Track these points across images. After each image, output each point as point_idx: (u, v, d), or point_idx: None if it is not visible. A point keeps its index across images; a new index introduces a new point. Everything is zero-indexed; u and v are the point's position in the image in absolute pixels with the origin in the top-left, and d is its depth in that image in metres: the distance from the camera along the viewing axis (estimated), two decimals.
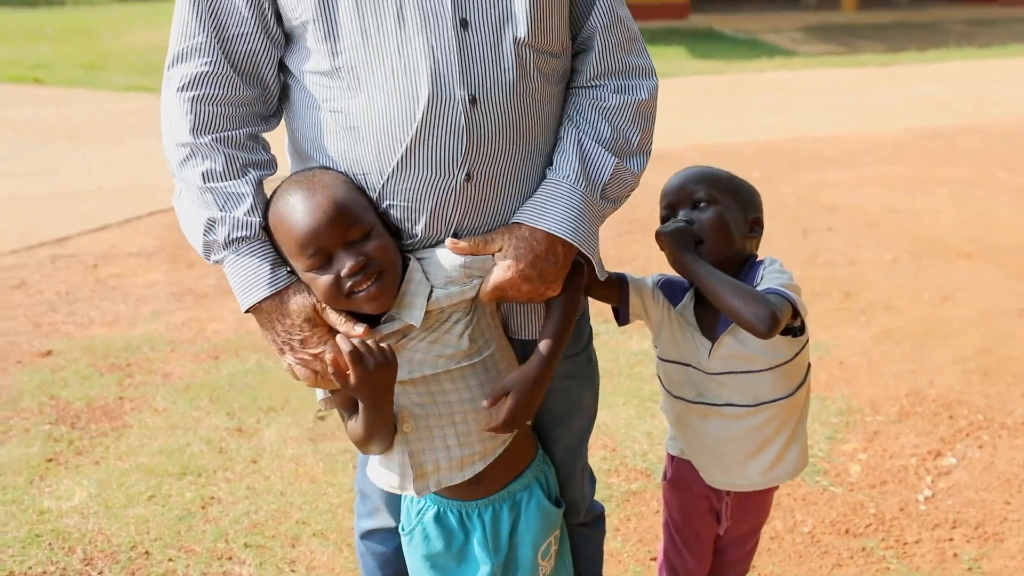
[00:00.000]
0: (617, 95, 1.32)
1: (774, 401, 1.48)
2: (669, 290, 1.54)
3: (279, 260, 1.25)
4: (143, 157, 5.88)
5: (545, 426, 1.48)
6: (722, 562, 1.74)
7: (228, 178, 1.24)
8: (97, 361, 3.21)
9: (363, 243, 1.20)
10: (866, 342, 3.38)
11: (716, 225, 1.45)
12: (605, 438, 2.71)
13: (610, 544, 2.22)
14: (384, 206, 1.26)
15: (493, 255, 1.26)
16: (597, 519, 1.66)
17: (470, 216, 1.26)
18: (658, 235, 1.44)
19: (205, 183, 1.23)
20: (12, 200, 5.01)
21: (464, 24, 1.20)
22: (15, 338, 3.40)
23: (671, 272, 1.51)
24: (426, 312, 1.25)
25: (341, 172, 1.26)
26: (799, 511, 2.39)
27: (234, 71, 1.25)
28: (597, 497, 1.67)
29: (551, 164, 1.31)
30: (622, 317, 1.56)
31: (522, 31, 1.22)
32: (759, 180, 5.40)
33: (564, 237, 1.26)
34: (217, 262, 1.26)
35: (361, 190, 1.25)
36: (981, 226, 4.67)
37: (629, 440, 2.72)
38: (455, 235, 1.27)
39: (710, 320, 1.48)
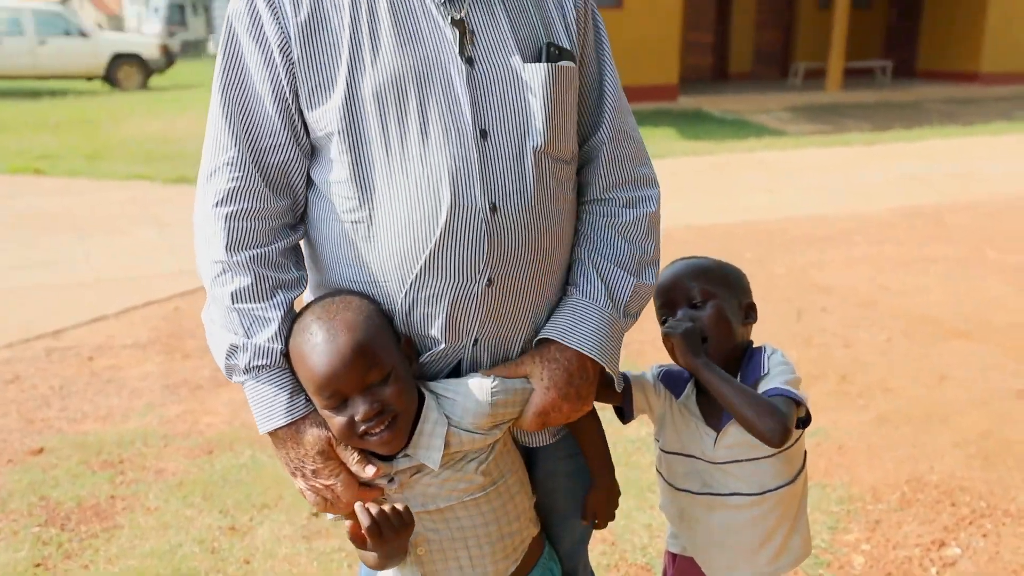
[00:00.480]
0: (630, 209, 1.38)
1: (778, 488, 1.49)
2: (670, 381, 1.55)
3: (298, 388, 1.26)
4: (142, 247, 5.93)
5: (552, 524, 1.48)
6: None
7: (256, 299, 1.25)
8: (89, 458, 3.18)
9: (380, 387, 1.21)
10: (864, 426, 3.36)
11: (717, 321, 1.48)
12: (604, 531, 2.67)
13: None
14: (403, 314, 1.27)
15: (528, 379, 1.30)
16: None
17: (490, 320, 1.29)
18: (666, 338, 1.46)
19: (233, 303, 1.24)
20: (11, 293, 5.03)
21: (484, 134, 1.24)
22: (7, 436, 3.37)
23: (666, 361, 1.53)
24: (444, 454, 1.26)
25: (365, 298, 1.26)
26: None
27: (265, 183, 1.27)
28: None
29: (569, 272, 1.36)
30: (626, 416, 1.56)
31: (539, 140, 1.27)
32: (751, 261, 5.49)
33: (594, 357, 1.30)
34: (238, 382, 1.28)
35: (384, 318, 1.26)
36: (974, 305, 4.69)
37: (628, 533, 2.68)
38: (475, 341, 1.29)
39: (713, 410, 1.49)
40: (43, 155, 9.31)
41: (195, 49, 29.79)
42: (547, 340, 1.32)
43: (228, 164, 1.26)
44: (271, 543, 2.65)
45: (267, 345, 1.23)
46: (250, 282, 1.24)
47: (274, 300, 1.26)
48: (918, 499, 2.85)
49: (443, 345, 1.29)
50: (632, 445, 3.24)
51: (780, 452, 1.47)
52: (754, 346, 1.54)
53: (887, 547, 2.59)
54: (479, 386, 1.27)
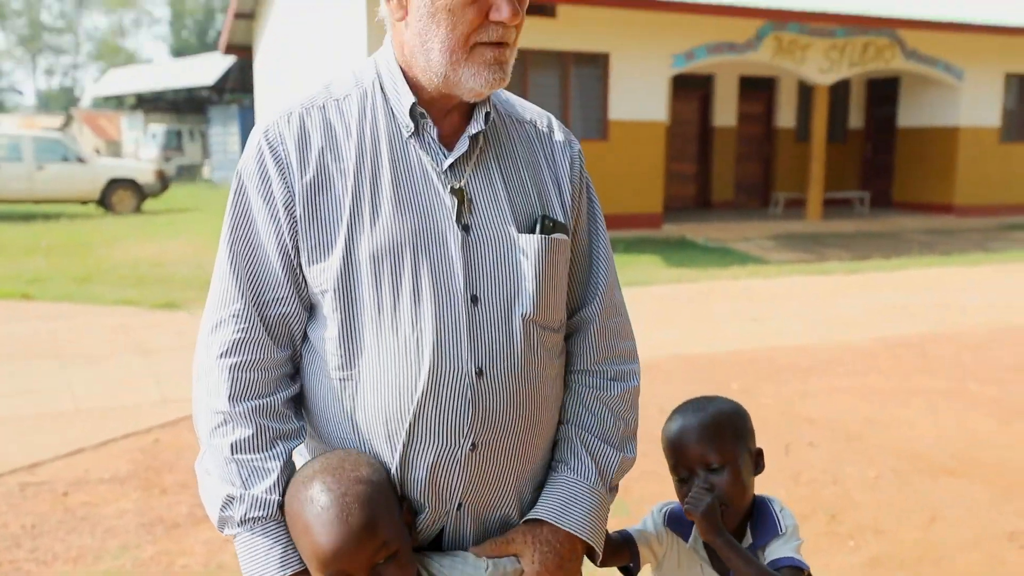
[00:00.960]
0: (616, 383, 1.42)
1: None
2: (675, 523, 1.56)
3: (292, 542, 1.24)
4: (126, 375, 5.89)
5: None
6: None
7: (256, 450, 1.25)
8: None
9: (385, 566, 1.17)
10: (856, 569, 3.29)
11: (735, 486, 1.50)
12: None
13: None
14: (391, 474, 1.28)
15: (518, 557, 1.30)
16: None
17: (475, 485, 1.29)
18: (688, 514, 1.47)
19: (233, 454, 1.25)
20: None
21: (475, 300, 1.27)
22: None
23: (660, 500, 1.56)
24: None
25: (374, 462, 1.25)
26: None
27: (269, 335, 1.29)
28: None
29: (556, 447, 1.38)
30: (634, 573, 1.56)
31: (528, 308, 1.30)
32: (738, 391, 5.49)
33: (587, 539, 1.32)
34: (230, 535, 1.26)
35: (391, 485, 1.25)
36: (961, 440, 4.68)
37: None
38: (459, 505, 1.29)
39: (719, 557, 1.50)
40: (33, 279, 9.36)
41: (190, 173, 30.42)
42: (538, 519, 1.32)
43: (234, 316, 1.28)
44: None
45: (264, 496, 1.23)
46: (251, 432, 1.25)
47: (274, 451, 1.26)
48: None
49: (427, 510, 1.29)
50: None
51: None
52: (757, 495, 1.56)
53: None
54: (474, 567, 1.26)
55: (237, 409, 1.26)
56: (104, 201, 17.04)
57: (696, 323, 7.67)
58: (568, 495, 1.34)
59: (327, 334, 1.29)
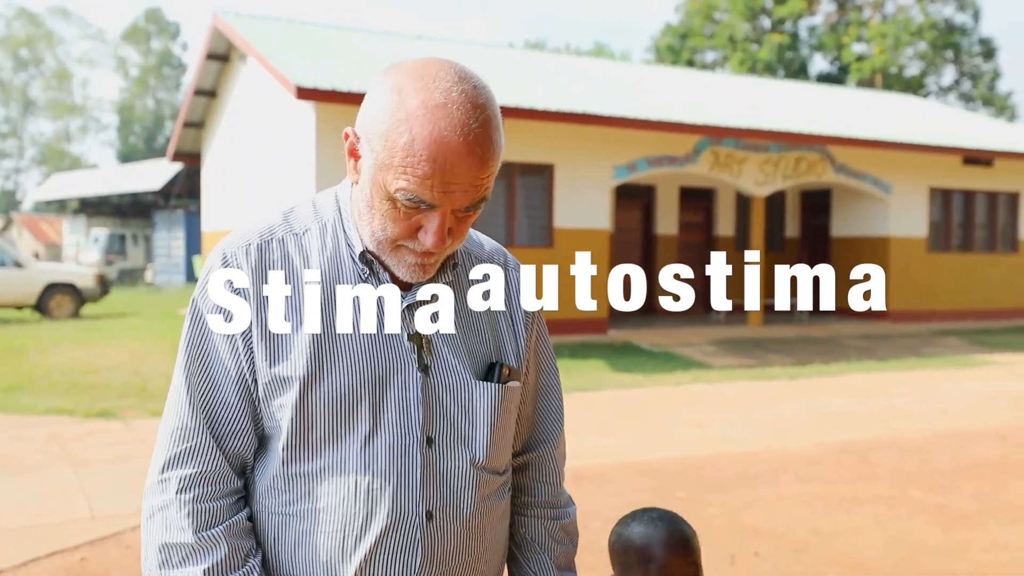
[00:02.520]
0: (568, 510, 1.51)
1: None
2: None
3: None
4: (54, 488, 5.66)
5: None
6: None
7: (234, 569, 1.23)
8: None
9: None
10: None
11: None
12: None
13: None
14: None
15: None
16: None
17: None
18: None
19: None
20: None
21: (430, 442, 1.27)
22: None
23: None
24: None
25: None
26: None
27: (229, 466, 1.27)
28: None
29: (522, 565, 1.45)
30: None
31: (480, 454, 1.31)
32: (684, 500, 5.48)
33: None
34: None
35: None
36: (905, 548, 4.70)
37: None
38: None
39: None
40: None
41: (132, 277, 30.03)
42: None
43: (192, 450, 1.26)
44: None
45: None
46: (226, 552, 1.22)
47: (248, 564, 1.24)
48: None
49: None
50: None
51: None
52: None
53: None
54: None
55: (206, 535, 1.23)
56: (41, 306, 16.67)
57: (642, 429, 7.68)
58: None
59: (278, 468, 1.27)
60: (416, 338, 1.29)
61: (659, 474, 6.12)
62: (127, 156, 56.70)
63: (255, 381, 1.27)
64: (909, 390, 9.84)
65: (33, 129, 63.70)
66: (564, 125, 12.83)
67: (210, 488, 1.25)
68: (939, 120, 19.80)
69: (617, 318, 14.99)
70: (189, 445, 1.26)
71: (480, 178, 1.18)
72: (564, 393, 1.62)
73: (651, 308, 17.22)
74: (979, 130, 19.18)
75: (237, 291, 1.27)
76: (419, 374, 1.28)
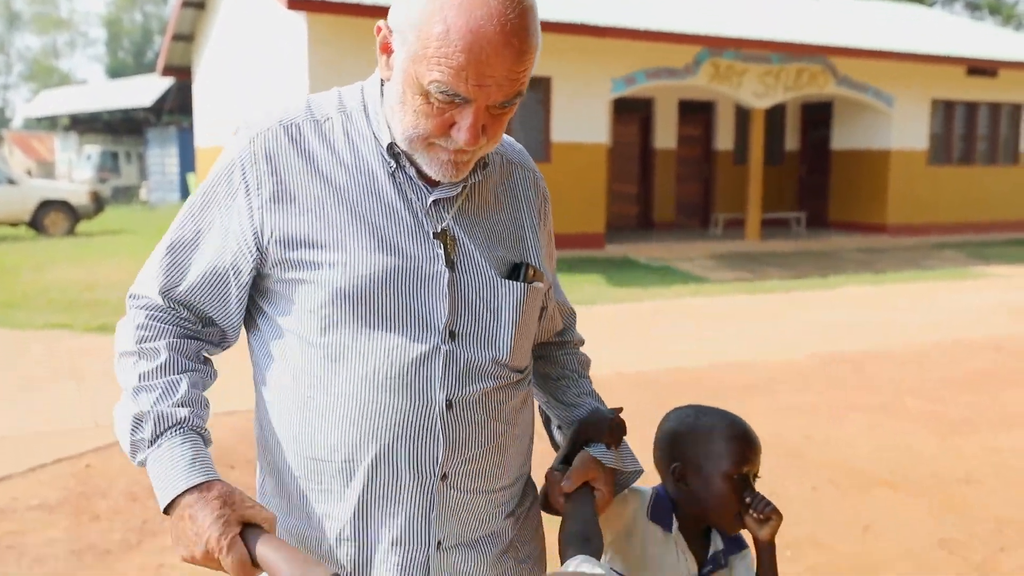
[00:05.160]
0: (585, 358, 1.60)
1: None
2: (658, 516, 1.57)
3: (205, 453, 1.21)
4: (57, 400, 5.72)
5: None
6: None
7: (165, 374, 1.24)
8: None
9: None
10: None
11: None
12: None
13: None
14: (356, 517, 1.25)
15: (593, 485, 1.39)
16: None
17: (449, 519, 1.28)
18: (778, 514, 1.50)
19: (141, 381, 1.23)
20: None
21: (452, 336, 1.26)
22: None
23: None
24: None
25: None
26: None
27: (195, 317, 1.31)
28: None
29: (574, 409, 1.50)
30: None
31: (503, 352, 1.30)
32: None
33: (642, 470, 1.50)
34: (142, 463, 1.21)
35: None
36: (897, 455, 4.79)
37: None
38: (438, 544, 1.27)
39: (697, 550, 1.56)
40: None
41: (127, 195, 29.79)
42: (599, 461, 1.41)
43: (158, 292, 1.29)
44: None
45: (171, 411, 1.20)
46: (163, 360, 1.24)
47: (184, 375, 1.25)
48: None
49: (406, 547, 1.26)
50: None
51: None
52: None
53: None
54: None
55: (148, 345, 1.26)
56: (36, 223, 16.60)
57: (640, 342, 7.74)
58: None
59: (294, 350, 1.26)
60: (442, 235, 1.27)
61: (656, 385, 6.19)
62: (116, 71, 55.63)
63: (256, 262, 1.26)
64: (906, 302, 9.89)
65: (20, 44, 62.39)
66: (561, 36, 12.54)
67: (163, 314, 1.29)
68: (943, 29, 19.40)
69: (614, 233, 14.95)
70: (154, 302, 1.29)
71: (516, 71, 1.14)
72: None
73: (648, 223, 17.17)
74: (984, 39, 18.81)
75: (253, 174, 1.25)
76: (445, 270, 1.26)
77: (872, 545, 3.65)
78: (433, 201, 1.28)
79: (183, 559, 1.16)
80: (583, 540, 1.31)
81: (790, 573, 3.38)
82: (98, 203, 17.52)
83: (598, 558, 1.30)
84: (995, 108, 17.49)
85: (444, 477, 1.26)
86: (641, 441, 1.66)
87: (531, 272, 1.34)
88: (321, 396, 1.25)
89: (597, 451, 1.42)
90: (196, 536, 1.14)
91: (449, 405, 1.25)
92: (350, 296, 1.23)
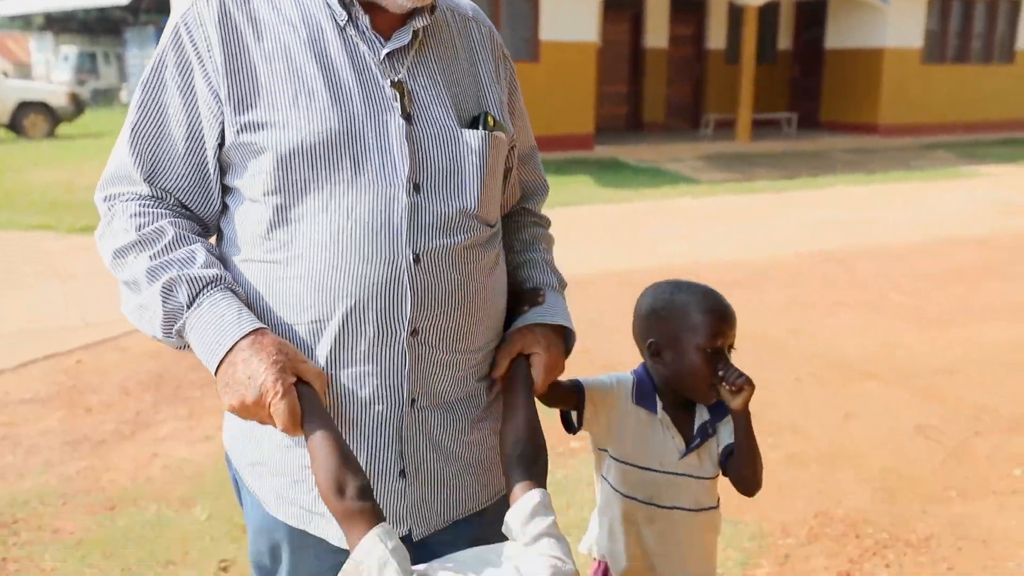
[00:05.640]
0: (544, 228, 1.59)
1: (709, 509, 1.63)
2: (641, 398, 1.61)
3: (246, 307, 1.21)
4: (43, 299, 5.72)
5: None
6: None
7: (178, 247, 1.22)
8: None
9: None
10: (774, 465, 3.42)
11: None
12: None
13: None
14: (328, 375, 1.24)
15: (526, 354, 1.36)
16: None
17: (422, 376, 1.27)
18: (742, 387, 1.52)
19: (153, 260, 1.21)
20: None
21: (416, 188, 1.24)
22: None
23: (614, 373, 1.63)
24: None
25: None
26: None
27: (173, 198, 1.29)
28: None
29: (522, 270, 1.48)
30: (576, 424, 1.60)
31: (471, 202, 1.28)
32: None
33: (570, 326, 1.43)
34: (179, 332, 1.20)
35: None
36: (880, 347, 4.86)
37: None
38: (412, 402, 1.26)
39: (683, 426, 1.59)
40: None
41: (106, 98, 29.13)
42: (531, 324, 1.39)
43: (130, 180, 1.28)
44: None
45: (201, 272, 1.20)
46: (172, 236, 1.22)
47: (197, 244, 1.24)
48: (825, 533, 2.91)
49: (378, 407, 1.25)
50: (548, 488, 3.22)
51: (713, 478, 1.62)
52: None
53: None
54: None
55: (150, 228, 1.23)
56: (15, 125, 16.28)
57: (628, 242, 7.74)
58: (549, 300, 1.43)
59: (259, 217, 1.25)
60: (398, 86, 1.25)
61: (644, 283, 6.11)
62: None
63: (221, 126, 1.24)
64: (895, 202, 9.89)
65: None
66: None
67: (152, 202, 1.27)
68: None
69: (603, 134, 14.78)
70: (142, 174, 1.27)
71: None
72: (548, 209, 1.65)
73: (638, 124, 16.97)
74: None
75: (199, 40, 1.23)
76: (402, 122, 1.24)
77: (852, 432, 3.74)
78: (387, 54, 1.26)
79: (230, 407, 1.15)
80: (527, 461, 1.22)
81: (772, 459, 3.46)
82: (78, 105, 17.15)
83: (544, 475, 1.24)
84: (992, 4, 17.14)
85: (415, 333, 1.25)
86: (632, 339, 1.67)
87: (491, 121, 1.32)
88: (283, 259, 1.23)
89: (519, 320, 1.41)
90: (250, 380, 1.13)
91: (416, 259, 1.23)
92: (305, 155, 1.21)
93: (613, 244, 7.54)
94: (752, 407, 1.57)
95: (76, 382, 4.29)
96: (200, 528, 2.97)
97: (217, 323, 1.18)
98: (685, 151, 13.80)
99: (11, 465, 3.43)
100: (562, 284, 1.51)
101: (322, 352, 1.24)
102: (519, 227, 1.54)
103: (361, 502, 1.09)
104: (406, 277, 1.23)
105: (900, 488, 3.22)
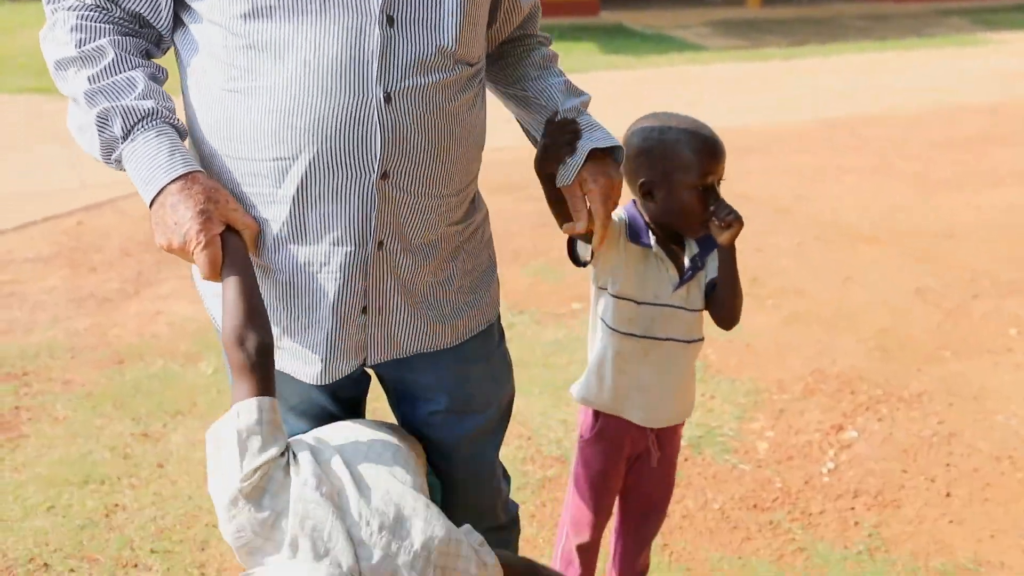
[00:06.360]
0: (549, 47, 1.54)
1: (699, 341, 1.68)
2: (634, 234, 1.62)
3: (181, 145, 1.18)
4: (41, 162, 5.65)
5: (460, 420, 1.45)
6: (648, 507, 1.83)
7: (116, 73, 1.18)
8: None
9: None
10: (774, 326, 3.47)
11: None
12: (520, 427, 2.72)
13: (526, 530, 2.23)
14: (293, 217, 1.21)
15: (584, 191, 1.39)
16: (513, 521, 1.66)
17: (391, 219, 1.23)
18: (739, 221, 1.52)
19: (92, 84, 1.17)
20: None
21: (391, 21, 1.17)
22: None
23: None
24: None
25: None
26: (709, 489, 2.44)
27: (122, 12, 1.22)
28: (513, 485, 1.67)
29: (542, 97, 1.44)
30: (583, 259, 1.59)
31: (448, 39, 1.21)
32: None
33: (614, 143, 1.42)
34: (118, 161, 1.18)
35: None
36: (883, 211, 4.84)
37: (544, 428, 2.74)
38: (379, 244, 1.24)
39: (675, 259, 1.62)
40: None
41: None
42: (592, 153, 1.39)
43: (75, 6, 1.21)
44: (185, 448, 2.63)
45: (136, 104, 1.16)
46: (109, 60, 1.18)
47: (137, 71, 1.19)
48: (820, 389, 2.97)
49: (347, 248, 1.22)
50: (549, 347, 3.28)
51: (702, 311, 1.67)
52: None
53: (789, 433, 2.71)
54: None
55: (87, 47, 1.18)
56: None
57: (632, 109, 7.52)
58: (585, 123, 1.42)
59: (219, 40, 1.18)
60: None
61: None
62: None
63: None
64: (906, 69, 9.64)
65: None
66: None
67: (96, 13, 1.21)
68: None
69: None
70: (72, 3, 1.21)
71: None
72: None
73: None
74: None
75: None
76: None
77: (851, 295, 3.76)
78: None
79: (160, 247, 1.17)
80: None
81: (771, 320, 3.51)
82: None
83: None
84: None
85: (385, 176, 1.21)
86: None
87: None
88: (246, 90, 1.18)
89: (571, 161, 1.39)
90: (176, 226, 1.13)
91: (388, 99, 1.17)
92: None
93: (617, 112, 7.39)
94: (755, 270, 1.58)
95: (78, 243, 4.30)
96: (207, 381, 3.03)
97: (149, 162, 1.15)
98: (692, 17, 13.36)
99: (18, 320, 3.47)
100: (585, 101, 1.47)
101: (287, 191, 1.20)
102: (527, 51, 1.48)
103: (256, 359, 1.12)
104: (376, 117, 1.17)
105: (896, 348, 3.27)
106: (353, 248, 1.23)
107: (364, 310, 1.28)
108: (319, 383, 1.33)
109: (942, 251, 4.24)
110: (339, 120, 1.17)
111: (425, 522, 1.14)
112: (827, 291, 3.80)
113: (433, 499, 1.32)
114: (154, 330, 3.40)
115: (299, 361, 1.32)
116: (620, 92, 8.29)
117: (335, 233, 1.22)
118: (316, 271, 1.25)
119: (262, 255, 1.26)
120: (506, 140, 2.57)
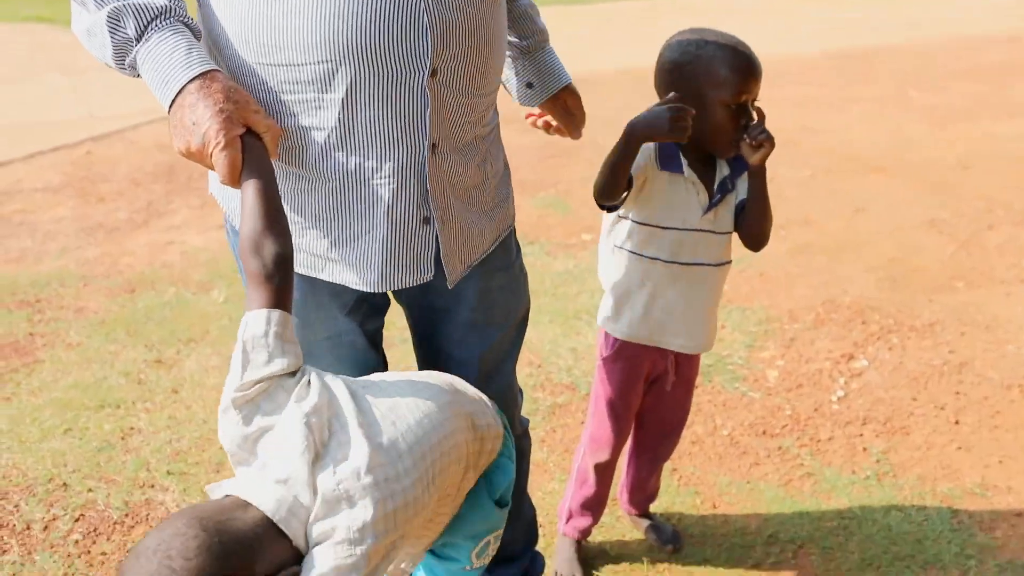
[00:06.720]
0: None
1: (726, 264, 1.65)
2: (665, 160, 1.58)
3: (198, 44, 1.14)
4: (47, 92, 5.61)
5: (481, 334, 1.46)
6: (665, 430, 1.86)
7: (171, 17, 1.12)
8: (3, 298, 3.09)
9: None
10: (784, 256, 3.45)
11: None
12: (531, 355, 2.73)
13: (536, 455, 2.26)
14: (342, 126, 1.17)
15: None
16: (524, 433, 1.68)
17: (440, 117, 1.21)
18: (771, 141, 1.50)
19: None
20: None
21: None
22: None
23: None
24: None
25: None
26: (719, 416, 2.46)
27: None
28: (524, 412, 1.69)
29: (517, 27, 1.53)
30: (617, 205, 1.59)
31: None
32: None
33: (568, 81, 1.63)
34: (132, 65, 1.13)
35: None
36: (893, 142, 4.78)
37: (554, 356, 2.75)
38: (433, 147, 1.21)
39: (706, 181, 1.58)
40: None
41: None
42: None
43: None
44: (199, 374, 2.65)
45: (149, 2, 1.11)
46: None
47: (186, 18, 1.14)
48: (831, 318, 2.97)
49: (400, 151, 1.20)
50: (559, 277, 3.28)
51: (730, 234, 1.64)
52: None
53: (800, 361, 2.72)
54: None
55: None
56: None
57: (641, 39, 7.46)
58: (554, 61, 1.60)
59: None
60: None
61: None
62: None
63: None
64: None
65: None
66: None
67: None
68: None
69: None
70: None
71: None
72: (555, 6, 1.64)
73: None
74: None
75: None
76: None
77: (862, 224, 3.74)
78: None
79: (178, 151, 1.12)
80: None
81: (781, 250, 3.50)
82: None
83: None
84: None
85: (435, 73, 1.18)
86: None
87: None
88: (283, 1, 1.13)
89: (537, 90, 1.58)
90: (195, 126, 1.08)
91: None
92: None
93: (625, 42, 7.28)
94: None
95: (87, 173, 4.28)
96: (219, 310, 3.05)
97: (167, 62, 1.10)
98: None
99: (29, 249, 3.48)
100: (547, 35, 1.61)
101: (335, 95, 1.17)
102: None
103: (273, 269, 1.06)
104: (424, 11, 1.15)
105: (908, 278, 3.26)
106: (407, 151, 1.21)
107: (426, 220, 1.26)
108: (376, 291, 1.29)
109: (956, 182, 4.20)
110: (388, 15, 1.13)
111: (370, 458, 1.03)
112: (836, 221, 3.77)
113: (505, 447, 1.31)
114: (165, 259, 3.40)
115: (352, 272, 1.28)
116: (625, 22, 8.15)
117: (388, 136, 1.19)
118: (368, 177, 1.22)
119: (306, 164, 1.22)
120: None
